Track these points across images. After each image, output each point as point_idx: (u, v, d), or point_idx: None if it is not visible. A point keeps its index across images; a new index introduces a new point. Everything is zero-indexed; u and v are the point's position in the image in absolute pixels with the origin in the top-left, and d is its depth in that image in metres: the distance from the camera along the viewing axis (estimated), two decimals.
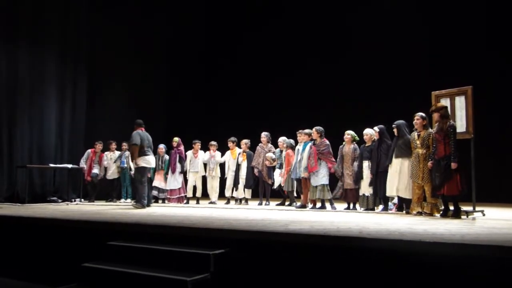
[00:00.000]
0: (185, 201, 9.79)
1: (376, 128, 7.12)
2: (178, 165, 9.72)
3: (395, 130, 6.67)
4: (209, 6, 13.97)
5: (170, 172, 9.70)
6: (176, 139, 9.87)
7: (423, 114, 6.29)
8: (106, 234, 4.83)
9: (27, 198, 8.75)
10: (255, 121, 11.11)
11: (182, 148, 9.84)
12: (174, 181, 9.70)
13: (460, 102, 6.40)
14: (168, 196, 9.79)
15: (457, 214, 5.66)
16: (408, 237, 3.61)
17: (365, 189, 7.23)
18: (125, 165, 10.23)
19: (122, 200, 10.24)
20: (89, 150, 10.18)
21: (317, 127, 7.86)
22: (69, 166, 9.67)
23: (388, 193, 6.72)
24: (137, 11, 12.12)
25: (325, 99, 11.25)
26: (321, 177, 7.66)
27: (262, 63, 12.49)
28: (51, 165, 9.57)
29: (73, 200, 9.66)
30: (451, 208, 5.80)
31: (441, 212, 5.92)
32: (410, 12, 10.61)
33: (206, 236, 4.36)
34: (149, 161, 7.75)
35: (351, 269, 3.58)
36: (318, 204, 7.93)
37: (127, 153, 10.20)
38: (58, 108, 10.36)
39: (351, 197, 7.55)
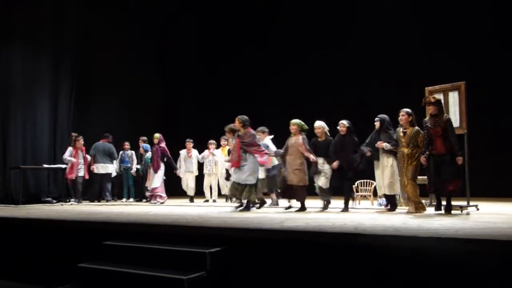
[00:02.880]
0: (161, 200, 9.17)
1: (344, 122, 6.46)
2: (160, 163, 9.23)
3: (377, 123, 6.22)
4: (203, 8, 13.92)
5: (152, 171, 9.23)
6: (157, 135, 9.39)
7: (409, 110, 5.87)
8: (102, 234, 4.82)
9: (21, 199, 8.71)
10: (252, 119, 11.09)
11: (163, 144, 9.32)
12: (156, 180, 9.20)
13: (454, 98, 6.44)
14: (148, 195, 9.47)
15: (449, 210, 5.55)
16: (403, 233, 3.63)
17: (324, 184, 6.49)
18: (128, 165, 10.25)
19: (124, 199, 10.22)
20: (70, 148, 9.70)
21: (240, 116, 6.71)
22: (63, 166, 9.62)
23: (379, 192, 6.47)
24: (131, 12, 12.06)
25: (320, 95, 11.26)
26: (247, 175, 6.52)
27: (259, 65, 12.48)
28: (45, 165, 9.52)
29: (67, 200, 9.61)
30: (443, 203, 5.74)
31: (433, 208, 5.89)
32: (404, 8, 10.63)
33: (202, 234, 4.36)
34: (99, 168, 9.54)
35: (347, 265, 3.59)
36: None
37: (130, 152, 10.25)
38: (52, 109, 10.28)
39: (292, 195, 6.67)
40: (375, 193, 7.50)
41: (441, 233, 3.53)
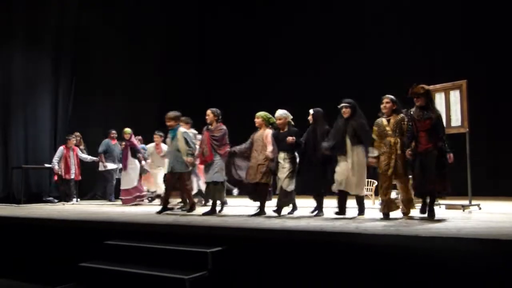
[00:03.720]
0: (144, 200, 8.56)
1: (311, 110, 5.84)
2: (132, 160, 8.52)
3: (347, 110, 5.38)
4: (202, 8, 13.89)
5: (130, 170, 8.56)
6: (127, 130, 8.64)
7: (393, 97, 5.26)
8: (103, 234, 4.82)
9: (23, 198, 8.72)
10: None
11: (134, 140, 8.66)
12: (128, 179, 8.47)
13: (455, 97, 6.41)
14: (121, 197, 8.57)
15: (432, 214, 4.82)
16: (404, 232, 3.62)
17: (285, 185, 5.58)
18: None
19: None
20: (62, 147, 9.26)
21: (214, 108, 6.27)
22: (48, 166, 9.38)
23: (334, 187, 5.33)
24: (131, 12, 12.05)
25: (321, 97, 11.20)
26: (214, 172, 5.95)
27: (259, 64, 12.46)
28: (47, 165, 9.52)
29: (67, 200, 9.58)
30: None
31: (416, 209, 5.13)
32: (405, 6, 10.61)
33: (204, 234, 4.36)
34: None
35: (348, 265, 3.58)
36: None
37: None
38: (52, 109, 10.30)
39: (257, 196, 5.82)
40: (376, 193, 7.44)
41: (443, 233, 3.52)
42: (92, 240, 4.77)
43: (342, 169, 5.24)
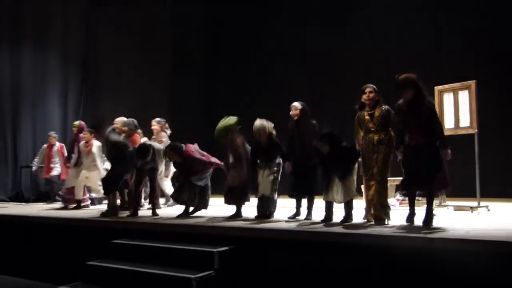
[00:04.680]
0: (89, 201, 7.48)
1: (297, 104, 5.21)
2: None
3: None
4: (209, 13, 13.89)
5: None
6: (76, 123, 7.96)
7: (375, 87, 4.64)
8: (110, 233, 4.85)
9: (31, 197, 8.80)
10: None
11: (80, 136, 7.60)
12: (73, 177, 7.37)
13: (464, 97, 6.36)
14: (66, 196, 7.41)
15: (430, 219, 4.13)
16: (412, 233, 3.60)
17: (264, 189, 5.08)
18: None
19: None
20: (45, 145, 8.78)
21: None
22: (31, 165, 9.07)
23: (329, 197, 4.70)
24: (140, 11, 12.10)
25: (326, 93, 11.15)
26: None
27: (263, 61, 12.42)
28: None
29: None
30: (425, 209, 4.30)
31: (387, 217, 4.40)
32: (415, 5, 10.54)
33: (210, 233, 4.37)
34: None
35: (356, 265, 3.57)
36: None
37: None
38: (61, 108, 10.38)
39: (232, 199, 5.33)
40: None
41: (451, 235, 3.49)
42: (100, 239, 4.81)
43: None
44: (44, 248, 5.52)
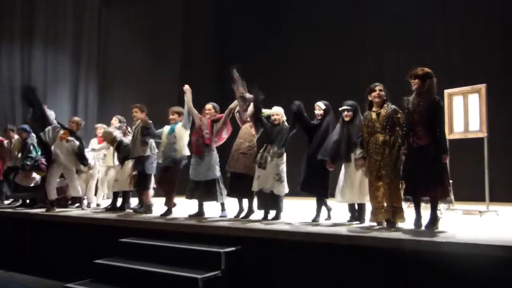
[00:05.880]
0: (69, 202, 6.91)
1: (321, 104, 5.18)
2: None
3: (349, 113, 4.79)
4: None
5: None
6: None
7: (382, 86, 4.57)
8: (118, 232, 4.89)
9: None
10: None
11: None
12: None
13: (474, 101, 6.32)
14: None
15: (435, 223, 4.06)
16: (420, 237, 3.58)
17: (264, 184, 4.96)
18: None
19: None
20: None
21: (214, 103, 6.16)
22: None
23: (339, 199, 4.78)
24: (151, 9, 12.17)
25: (335, 94, 11.12)
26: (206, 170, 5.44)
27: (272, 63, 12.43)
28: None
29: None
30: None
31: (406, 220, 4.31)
32: (424, 7, 10.48)
33: (217, 234, 4.38)
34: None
35: (362, 267, 3.56)
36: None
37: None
38: (72, 106, 10.49)
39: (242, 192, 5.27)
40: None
41: (459, 239, 3.47)
42: (108, 238, 4.84)
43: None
44: (53, 246, 5.57)
